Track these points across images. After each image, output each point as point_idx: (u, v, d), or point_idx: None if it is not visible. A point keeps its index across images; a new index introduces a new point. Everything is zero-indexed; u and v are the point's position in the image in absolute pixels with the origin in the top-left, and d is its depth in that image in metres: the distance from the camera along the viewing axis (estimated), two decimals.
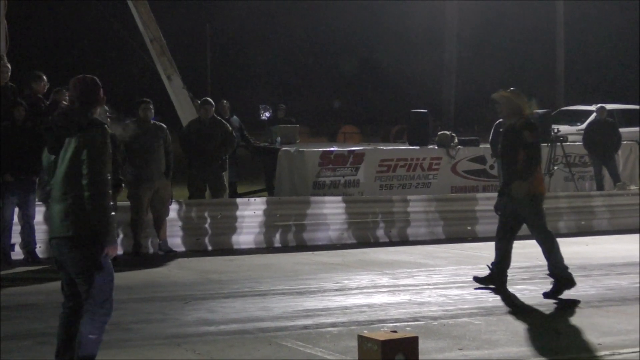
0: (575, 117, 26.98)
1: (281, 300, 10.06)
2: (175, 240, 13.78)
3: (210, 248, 13.95)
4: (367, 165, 17.06)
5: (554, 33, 40.25)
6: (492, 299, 10.20)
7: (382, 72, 55.09)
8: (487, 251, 11.16)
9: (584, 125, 23.12)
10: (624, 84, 47.23)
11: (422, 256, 13.36)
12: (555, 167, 18.31)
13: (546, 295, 10.22)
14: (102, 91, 6.79)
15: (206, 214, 14.07)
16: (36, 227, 12.65)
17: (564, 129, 22.64)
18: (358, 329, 8.49)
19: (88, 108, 6.66)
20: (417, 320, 9.07)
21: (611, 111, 23.26)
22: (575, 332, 8.68)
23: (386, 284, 11.11)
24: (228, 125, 15.32)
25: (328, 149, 17.16)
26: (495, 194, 10.98)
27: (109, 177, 6.59)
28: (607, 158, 19.01)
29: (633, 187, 18.42)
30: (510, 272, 10.82)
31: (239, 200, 14.92)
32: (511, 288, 10.65)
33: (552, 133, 18.48)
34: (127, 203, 13.31)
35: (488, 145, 17.68)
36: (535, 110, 19.13)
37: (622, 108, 27.78)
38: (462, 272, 11.77)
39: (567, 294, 10.27)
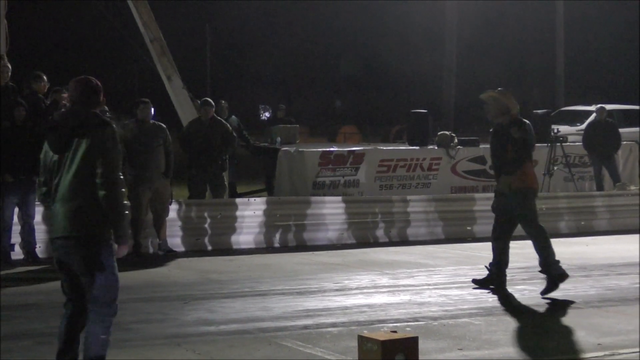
0: (575, 118, 26.98)
1: (281, 300, 10.06)
2: (175, 240, 13.78)
3: (210, 248, 13.95)
4: (367, 166, 17.06)
5: (554, 33, 40.24)
6: (492, 300, 10.20)
7: (382, 72, 55.04)
8: (486, 251, 11.15)
9: (583, 126, 23.12)
10: (624, 84, 47.22)
11: (422, 256, 13.36)
12: (555, 168, 18.31)
13: (543, 293, 10.26)
14: (103, 94, 6.80)
15: (206, 214, 14.07)
16: (36, 227, 12.65)
17: (563, 129, 22.66)
18: (358, 329, 8.49)
19: (90, 109, 6.67)
20: (417, 321, 9.07)
21: (611, 111, 23.26)
22: (575, 332, 8.67)
23: (386, 284, 11.11)
24: (228, 125, 15.33)
25: (328, 149, 17.16)
26: None
27: (122, 177, 6.63)
28: (607, 158, 19.01)
29: (633, 188, 18.42)
30: (509, 273, 10.83)
31: (238, 200, 14.92)
32: (510, 288, 10.66)
33: (552, 133, 18.48)
34: (127, 203, 13.28)
35: (488, 146, 17.64)
36: (535, 111, 19.26)
37: (622, 108, 27.78)
38: (462, 273, 11.77)
39: (566, 295, 10.29)
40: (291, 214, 14.58)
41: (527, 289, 10.67)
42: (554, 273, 10.34)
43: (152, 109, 13.67)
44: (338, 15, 52.58)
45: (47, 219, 12.43)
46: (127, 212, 6.70)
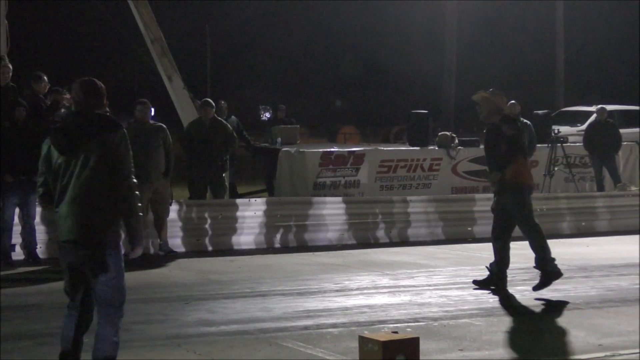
0: (576, 118, 26.99)
1: (282, 301, 10.06)
2: (176, 240, 13.78)
3: (210, 248, 13.95)
4: (368, 166, 17.06)
5: (554, 33, 40.26)
6: (492, 300, 10.21)
7: (382, 73, 55.08)
8: (487, 252, 11.16)
9: (584, 126, 23.14)
10: (624, 84, 47.23)
11: (422, 257, 13.36)
12: (556, 168, 18.31)
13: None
14: (105, 97, 6.80)
15: (207, 215, 14.07)
16: (37, 227, 12.64)
17: (564, 129, 22.67)
18: (359, 329, 8.49)
19: (94, 111, 6.66)
20: (418, 321, 9.07)
21: (611, 112, 23.25)
22: (576, 333, 8.67)
23: (387, 285, 11.11)
24: (229, 125, 15.33)
25: (328, 150, 17.16)
26: None
27: (134, 180, 6.64)
28: (607, 159, 19.01)
29: (633, 188, 18.42)
30: (510, 273, 10.84)
31: (239, 200, 14.91)
32: (511, 289, 10.66)
33: (553, 134, 18.49)
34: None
35: None
36: (536, 112, 19.27)
37: (622, 109, 27.78)
38: (462, 273, 11.78)
39: (566, 296, 10.29)
40: (292, 214, 14.57)
41: (528, 289, 10.65)
42: (549, 270, 10.39)
43: (152, 110, 13.66)
44: (338, 15, 52.58)
45: (47, 219, 12.43)
46: (141, 214, 6.71)
